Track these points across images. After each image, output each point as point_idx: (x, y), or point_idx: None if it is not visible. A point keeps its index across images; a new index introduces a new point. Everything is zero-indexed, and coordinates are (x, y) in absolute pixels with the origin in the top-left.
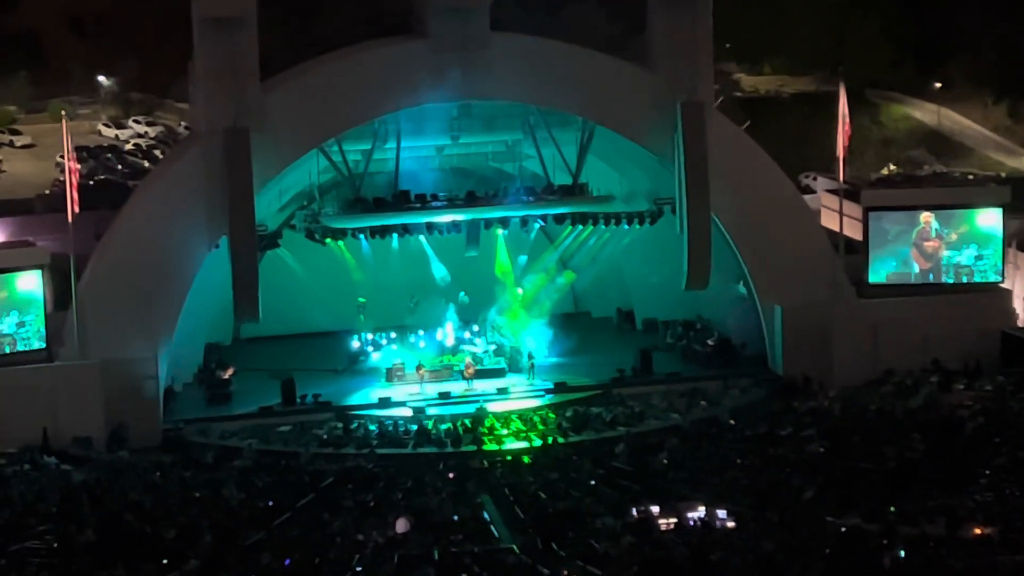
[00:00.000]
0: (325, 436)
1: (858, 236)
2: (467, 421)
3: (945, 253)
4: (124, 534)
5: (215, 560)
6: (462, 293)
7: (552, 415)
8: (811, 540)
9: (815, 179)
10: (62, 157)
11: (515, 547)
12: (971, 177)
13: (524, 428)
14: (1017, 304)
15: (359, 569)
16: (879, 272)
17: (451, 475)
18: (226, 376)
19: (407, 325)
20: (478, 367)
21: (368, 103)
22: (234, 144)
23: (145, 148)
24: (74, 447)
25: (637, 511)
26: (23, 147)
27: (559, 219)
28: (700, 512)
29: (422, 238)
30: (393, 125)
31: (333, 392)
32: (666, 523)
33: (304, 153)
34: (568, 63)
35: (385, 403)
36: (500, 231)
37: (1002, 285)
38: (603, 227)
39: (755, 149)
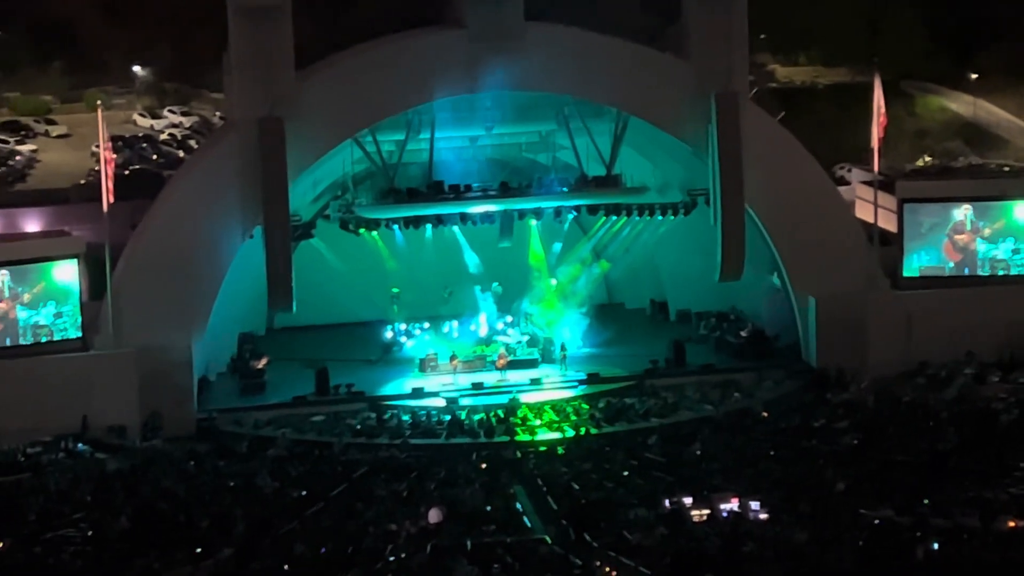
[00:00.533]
0: (358, 426)
1: (892, 228)
2: (500, 412)
3: (980, 247)
4: (158, 523)
5: (248, 549)
6: (495, 284)
7: (585, 406)
8: (844, 532)
9: (850, 170)
10: (97, 147)
11: (547, 538)
12: (1007, 169)
13: (557, 419)
14: None
15: (392, 559)
16: (912, 266)
17: (484, 466)
18: (260, 366)
19: (440, 315)
20: (511, 358)
21: (402, 93)
22: (269, 134)
23: (180, 138)
24: (109, 436)
25: (670, 502)
26: (59, 137)
27: (592, 210)
28: (733, 504)
29: (455, 228)
30: (427, 115)
31: (366, 382)
32: (699, 514)
33: (338, 143)
34: (603, 53)
35: (418, 393)
36: (533, 222)
37: None
38: (637, 218)
39: (790, 140)
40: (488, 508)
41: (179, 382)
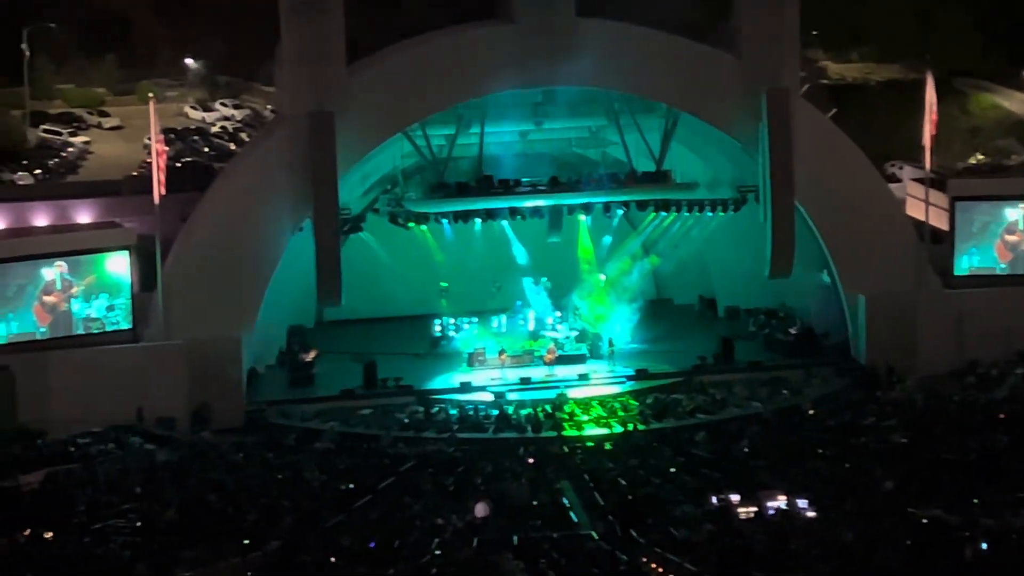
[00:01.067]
0: (406, 419)
1: (943, 226)
2: (547, 407)
3: None
4: (206, 514)
5: (295, 541)
6: (544, 279)
7: (633, 402)
8: (892, 531)
9: (901, 168)
10: (149, 139)
11: (594, 533)
12: None
13: (604, 414)
14: None
15: (438, 553)
16: (963, 266)
17: (531, 460)
18: (309, 358)
19: (489, 310)
20: (559, 353)
21: (452, 88)
22: (319, 128)
23: (231, 131)
24: (158, 427)
25: (717, 499)
26: (111, 129)
27: (641, 206)
28: (780, 501)
29: (505, 223)
30: (477, 110)
31: (414, 376)
32: (746, 512)
33: (388, 137)
34: (654, 49)
35: (466, 388)
36: (582, 217)
37: None
38: (686, 214)
39: (841, 137)
40: (535, 503)
41: (228, 374)
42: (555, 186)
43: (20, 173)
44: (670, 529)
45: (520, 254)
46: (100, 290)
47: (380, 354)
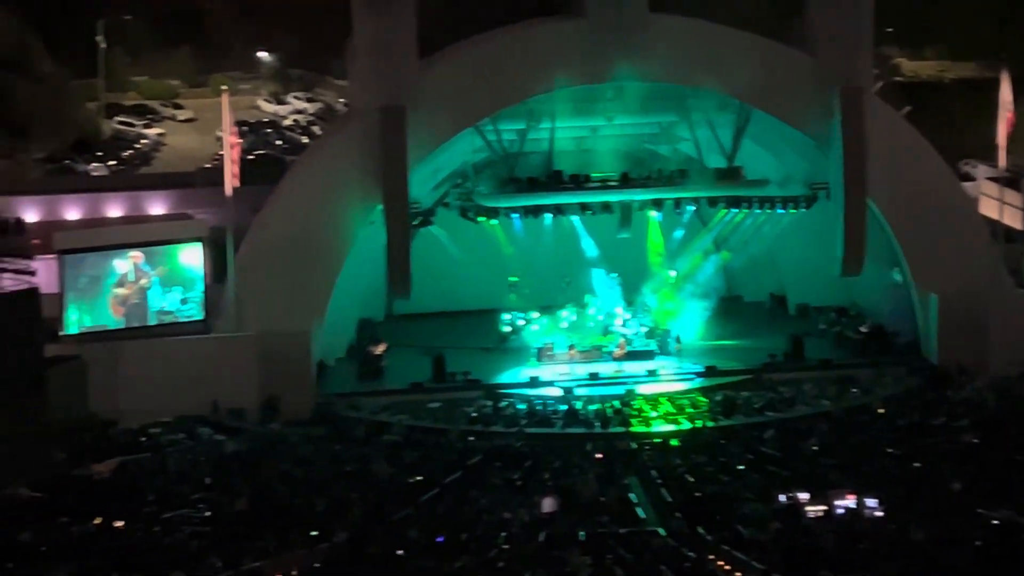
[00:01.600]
0: (474, 414)
1: (1017, 225)
2: (616, 402)
3: None
4: (274, 505)
5: (363, 534)
6: (613, 275)
7: (702, 399)
8: (961, 531)
9: (975, 166)
10: (222, 132)
11: (661, 530)
12: None
13: (673, 411)
14: None
15: (504, 547)
16: None
17: (598, 456)
18: (378, 352)
19: (558, 305)
20: (628, 349)
21: (524, 83)
22: (391, 122)
23: (304, 124)
24: (228, 418)
25: (785, 497)
26: (185, 121)
27: (712, 202)
28: (849, 500)
29: (575, 218)
30: (548, 105)
31: (483, 370)
32: (814, 510)
33: (459, 132)
34: (727, 46)
35: (534, 382)
36: (652, 213)
37: None
38: (757, 211)
39: (914, 135)
40: (602, 499)
41: (298, 366)
42: (626, 182)
43: (94, 164)
44: (737, 527)
45: (589, 247)
46: (174, 283)
47: (449, 348)
